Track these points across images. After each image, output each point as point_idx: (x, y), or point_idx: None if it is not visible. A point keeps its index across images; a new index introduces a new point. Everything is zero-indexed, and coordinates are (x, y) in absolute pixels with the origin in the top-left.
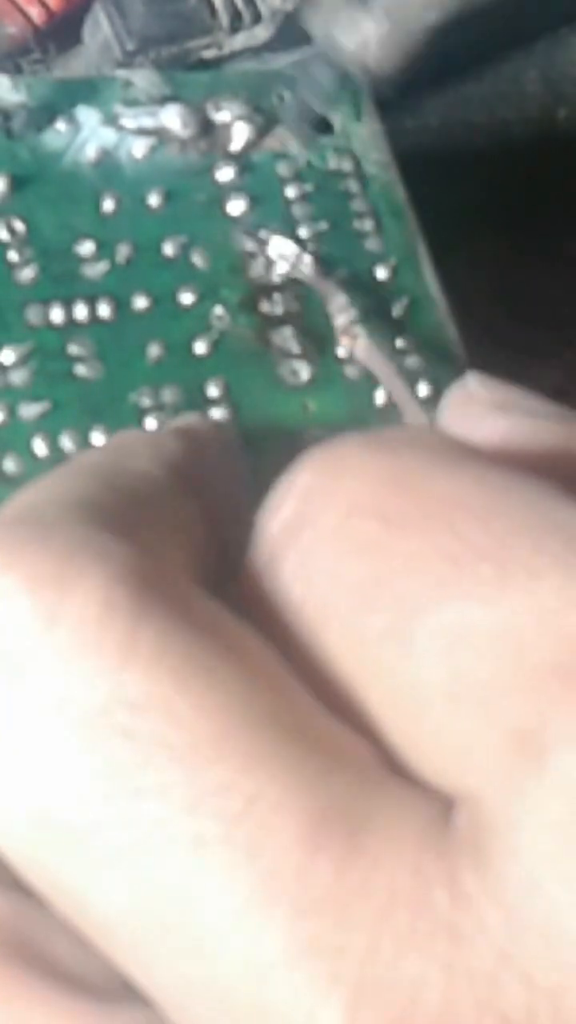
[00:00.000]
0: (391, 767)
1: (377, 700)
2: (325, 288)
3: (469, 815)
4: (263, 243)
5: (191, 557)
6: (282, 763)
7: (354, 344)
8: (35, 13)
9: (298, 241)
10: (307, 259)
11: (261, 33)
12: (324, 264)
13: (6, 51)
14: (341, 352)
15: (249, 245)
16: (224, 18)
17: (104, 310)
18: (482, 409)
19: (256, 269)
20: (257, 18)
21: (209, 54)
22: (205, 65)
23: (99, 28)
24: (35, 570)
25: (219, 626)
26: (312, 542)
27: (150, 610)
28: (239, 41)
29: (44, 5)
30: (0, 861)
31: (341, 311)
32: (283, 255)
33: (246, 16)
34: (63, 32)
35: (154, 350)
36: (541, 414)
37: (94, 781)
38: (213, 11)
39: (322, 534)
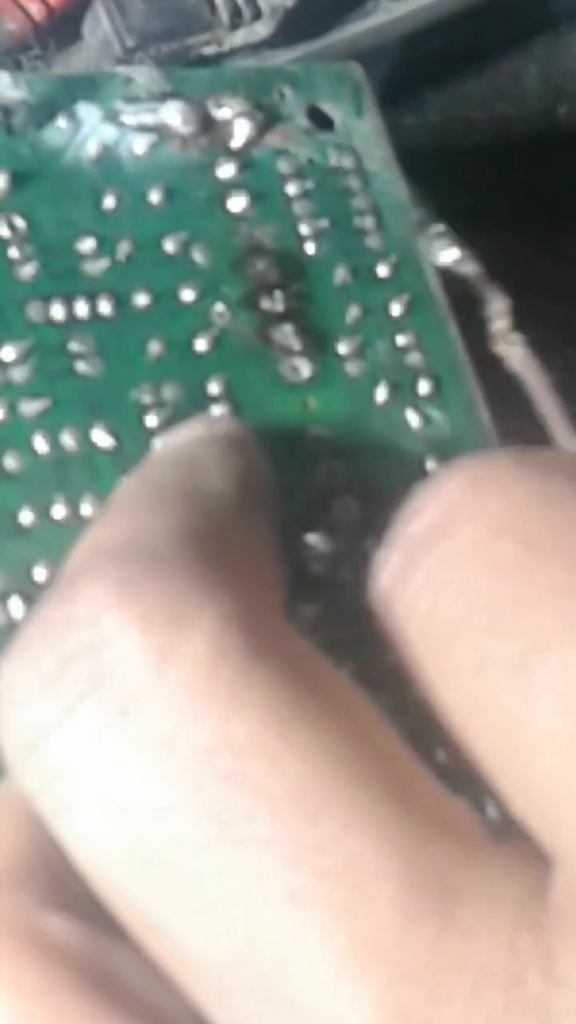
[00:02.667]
0: (491, 826)
1: (488, 732)
2: (486, 290)
3: (565, 881)
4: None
5: (275, 585)
6: (383, 824)
7: (509, 351)
8: (35, 9)
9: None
10: (471, 264)
11: (261, 30)
12: (327, 261)
13: (6, 47)
14: (499, 350)
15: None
16: (224, 14)
17: (105, 307)
18: None
19: (257, 266)
20: (257, 14)
21: (209, 51)
22: (205, 62)
23: (99, 24)
24: (150, 609)
25: (322, 675)
26: (449, 553)
27: (260, 655)
28: (239, 38)
29: (44, 1)
30: (81, 891)
31: (500, 316)
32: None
33: (246, 13)
34: (63, 28)
35: (155, 347)
36: None
37: (198, 826)
38: (213, 7)
39: (461, 547)
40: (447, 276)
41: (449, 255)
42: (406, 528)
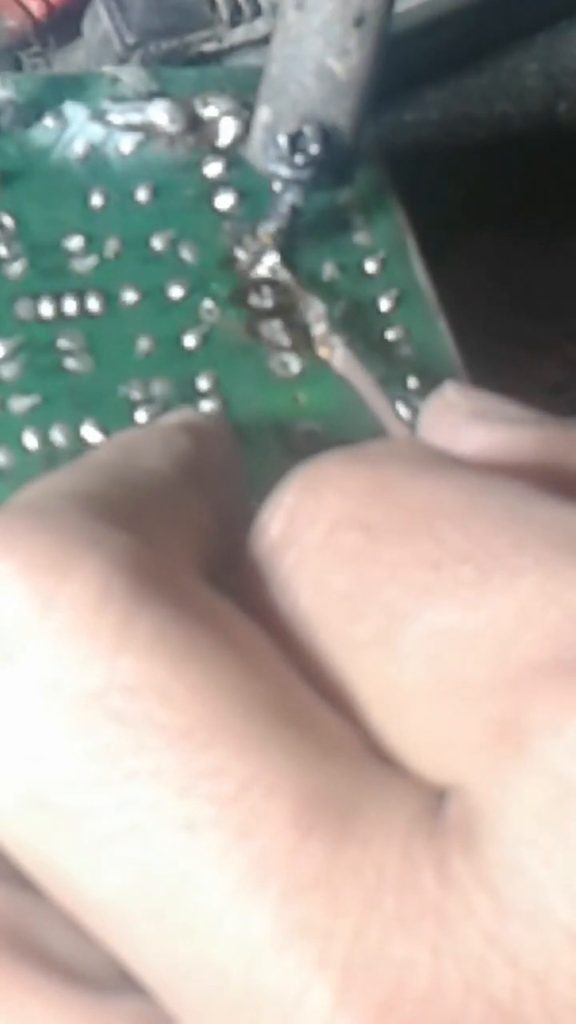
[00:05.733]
0: (382, 759)
1: (367, 700)
2: (303, 297)
3: (458, 804)
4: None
5: (195, 550)
6: (276, 749)
7: (331, 355)
8: (35, 6)
9: (280, 247)
10: (285, 272)
11: (261, 27)
12: (312, 258)
13: (6, 45)
14: (322, 353)
15: (236, 246)
16: (224, 12)
17: (93, 304)
18: (460, 418)
19: (245, 263)
20: (257, 12)
21: (209, 48)
22: (205, 59)
23: (99, 21)
24: (32, 556)
25: (218, 615)
26: (298, 559)
27: (148, 597)
28: (239, 35)
29: None
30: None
31: (319, 320)
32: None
33: (246, 10)
34: (63, 25)
35: (144, 343)
36: (519, 420)
37: (87, 764)
38: (213, 5)
39: (307, 550)
40: (267, 283)
41: (267, 261)
42: (256, 546)
